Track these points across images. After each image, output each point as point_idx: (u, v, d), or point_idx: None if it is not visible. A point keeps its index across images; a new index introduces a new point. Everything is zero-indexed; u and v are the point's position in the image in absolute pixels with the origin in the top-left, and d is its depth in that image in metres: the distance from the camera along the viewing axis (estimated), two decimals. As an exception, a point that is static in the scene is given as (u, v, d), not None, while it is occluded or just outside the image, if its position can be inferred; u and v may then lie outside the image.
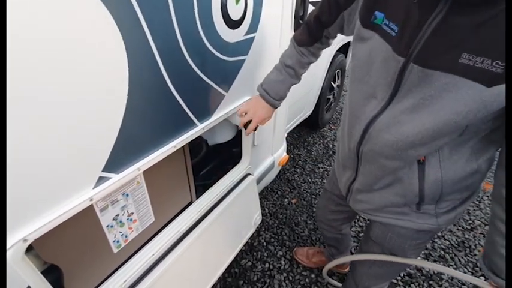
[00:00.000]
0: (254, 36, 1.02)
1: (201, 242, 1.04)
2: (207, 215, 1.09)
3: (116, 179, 0.68)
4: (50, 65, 0.48)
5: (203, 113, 0.91)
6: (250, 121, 0.96)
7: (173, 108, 0.78)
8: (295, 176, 2.37)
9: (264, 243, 1.80)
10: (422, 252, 1.76)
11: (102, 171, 0.64)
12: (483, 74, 0.48)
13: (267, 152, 1.54)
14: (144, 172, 0.76)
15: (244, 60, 1.01)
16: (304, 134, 2.90)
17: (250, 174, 1.32)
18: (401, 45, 0.56)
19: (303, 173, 2.40)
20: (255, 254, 1.74)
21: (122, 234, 0.81)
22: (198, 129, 0.89)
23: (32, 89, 0.47)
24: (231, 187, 1.22)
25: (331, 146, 2.73)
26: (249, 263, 1.68)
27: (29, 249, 0.61)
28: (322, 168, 2.45)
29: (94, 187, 0.64)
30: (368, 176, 0.75)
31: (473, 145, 0.61)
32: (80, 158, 0.59)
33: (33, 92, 0.48)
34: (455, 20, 0.49)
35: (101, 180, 0.65)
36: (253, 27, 0.99)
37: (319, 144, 2.76)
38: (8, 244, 0.52)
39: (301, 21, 1.59)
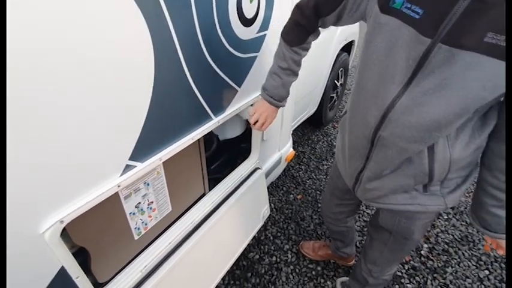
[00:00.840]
0: (265, 34, 1.06)
1: (214, 233, 1.08)
2: (219, 207, 1.13)
3: (140, 168, 0.72)
4: (86, 60, 0.53)
5: (218, 107, 0.95)
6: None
7: (192, 101, 0.82)
8: (300, 172, 2.41)
9: (271, 237, 1.84)
10: (426, 246, 1.80)
11: (129, 159, 0.68)
12: (504, 51, 0.51)
13: (274, 148, 1.58)
14: (163, 163, 0.81)
15: (256, 57, 1.05)
16: (308, 131, 2.94)
17: (259, 169, 1.36)
18: (427, 26, 0.56)
19: (308, 169, 2.44)
20: (262, 247, 1.78)
21: (143, 222, 0.85)
22: (214, 122, 0.93)
23: (71, 82, 0.52)
24: (242, 180, 1.26)
25: (334, 143, 2.76)
26: (257, 256, 1.72)
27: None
28: (326, 165, 2.49)
29: (121, 174, 0.68)
30: (382, 161, 0.76)
31: (474, 124, 0.65)
32: (110, 146, 0.63)
33: (72, 84, 0.52)
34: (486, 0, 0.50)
35: (127, 168, 0.69)
36: (265, 25, 1.03)
37: (323, 141, 2.80)
38: (46, 225, 0.56)
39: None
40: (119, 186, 0.67)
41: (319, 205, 2.08)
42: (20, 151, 0.47)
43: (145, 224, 0.87)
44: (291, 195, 2.17)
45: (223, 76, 0.91)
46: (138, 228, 0.85)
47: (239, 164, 1.30)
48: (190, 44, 0.74)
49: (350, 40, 2.65)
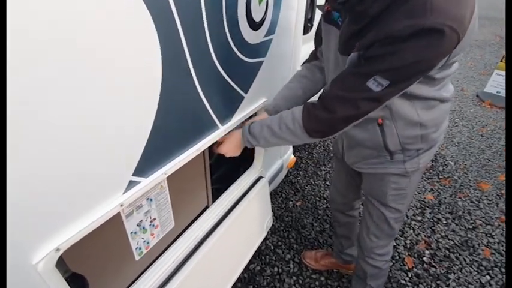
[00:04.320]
0: (272, 38, 1.01)
1: (218, 247, 1.02)
2: (223, 220, 1.06)
3: (144, 184, 0.65)
4: (82, 66, 0.46)
5: (225, 115, 0.89)
6: None
7: (199, 109, 0.76)
8: (298, 178, 2.37)
9: (272, 247, 1.78)
10: (428, 252, 1.78)
11: (133, 175, 0.62)
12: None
13: (276, 155, 1.53)
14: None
15: (262, 62, 1.00)
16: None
17: (263, 177, 1.31)
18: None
19: (306, 175, 2.40)
20: (263, 258, 1.71)
21: (144, 241, 0.78)
22: (220, 131, 0.87)
23: (64, 91, 0.45)
24: (245, 190, 1.20)
25: (331, 148, 2.74)
26: (258, 268, 1.66)
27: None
28: (324, 170, 2.45)
29: (124, 192, 0.61)
30: (347, 136, 0.95)
31: (409, 102, 0.77)
32: (111, 161, 0.56)
33: (65, 94, 0.45)
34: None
35: (131, 184, 0.62)
36: (272, 29, 0.99)
37: (320, 146, 2.77)
38: (39, 255, 0.49)
39: (309, 24, 1.59)
40: (121, 205, 0.60)
41: (320, 212, 2.04)
42: (5, 166, 0.40)
43: (147, 243, 0.79)
44: (290, 202, 2.12)
45: (230, 82, 0.86)
46: (140, 248, 0.77)
47: (242, 173, 1.24)
48: (198, 46, 0.68)
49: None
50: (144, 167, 0.64)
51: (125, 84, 0.53)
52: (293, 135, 0.79)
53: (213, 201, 1.08)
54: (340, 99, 0.70)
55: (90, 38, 0.45)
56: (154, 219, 0.79)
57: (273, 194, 2.18)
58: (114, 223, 0.67)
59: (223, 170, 1.29)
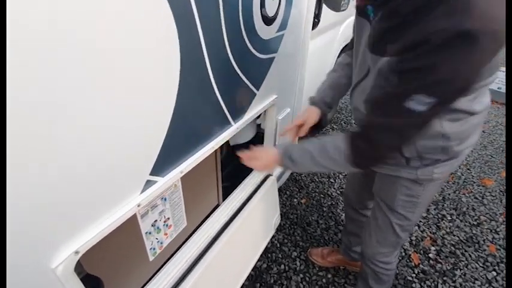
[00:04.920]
0: (283, 34, 0.99)
1: (229, 246, 1.00)
2: (233, 218, 1.05)
3: (161, 183, 0.63)
4: (99, 64, 0.44)
5: (237, 112, 0.87)
6: None
7: (214, 106, 0.75)
8: (302, 176, 2.35)
9: (278, 245, 1.78)
10: (434, 249, 1.78)
11: (150, 174, 0.60)
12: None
13: (283, 152, 1.51)
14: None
15: (273, 58, 0.98)
16: (307, 134, 2.89)
17: (271, 175, 1.29)
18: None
19: (310, 172, 2.39)
20: (269, 255, 1.71)
21: (158, 241, 0.77)
22: (233, 129, 0.85)
23: (82, 91, 0.43)
24: (254, 189, 1.19)
25: (334, 145, 2.73)
26: (264, 265, 1.65)
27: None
28: (328, 167, 2.44)
29: (142, 192, 0.59)
30: None
31: None
32: (129, 161, 0.54)
33: (83, 94, 0.43)
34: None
35: (148, 184, 0.60)
36: (284, 25, 0.97)
37: (323, 143, 2.76)
38: (59, 259, 0.47)
39: (316, 20, 1.57)
40: (138, 205, 0.59)
41: (324, 209, 2.03)
42: (24, 169, 0.38)
43: (161, 243, 0.78)
44: (295, 200, 2.12)
45: (243, 78, 0.84)
46: (154, 249, 0.76)
47: (251, 171, 1.23)
48: (215, 41, 0.66)
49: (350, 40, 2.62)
50: (161, 166, 0.62)
51: (143, 83, 0.51)
52: (336, 165, 0.74)
53: (224, 200, 1.07)
54: (381, 128, 0.63)
55: (110, 37, 0.43)
56: (168, 218, 0.77)
57: (278, 191, 2.16)
58: (129, 224, 0.65)
59: (232, 168, 1.28)
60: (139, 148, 0.56)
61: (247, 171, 1.24)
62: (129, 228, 0.66)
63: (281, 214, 1.98)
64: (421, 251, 1.76)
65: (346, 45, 0.95)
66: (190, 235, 0.91)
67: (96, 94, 0.44)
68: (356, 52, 0.81)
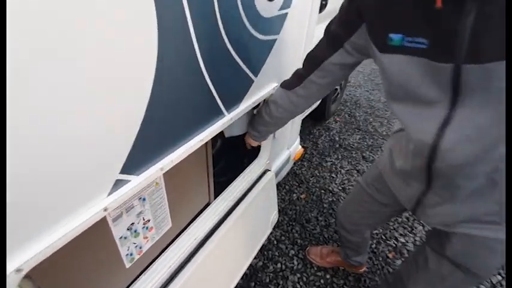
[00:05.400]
0: (287, 13, 0.87)
1: (220, 248, 0.91)
2: (226, 218, 0.96)
3: (135, 183, 0.53)
4: (55, 42, 0.33)
5: (232, 100, 0.76)
6: None
7: (203, 94, 0.64)
8: (303, 169, 2.26)
9: (275, 242, 1.70)
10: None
11: (120, 173, 0.50)
12: None
13: (283, 146, 1.41)
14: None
15: (275, 40, 0.86)
16: (308, 125, 2.78)
17: (269, 170, 1.20)
18: (439, 53, 0.52)
19: (311, 166, 2.29)
20: (265, 253, 1.63)
21: (136, 246, 0.67)
22: (226, 119, 0.75)
23: (32, 75, 0.32)
24: (250, 185, 1.09)
25: (337, 138, 2.62)
26: (260, 263, 1.58)
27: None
28: (329, 161, 2.34)
29: (109, 193, 0.49)
30: (449, 187, 0.63)
31: None
32: (91, 158, 0.44)
33: (33, 79, 0.32)
34: (487, 10, 0.47)
35: (118, 184, 0.50)
36: (287, 1, 0.84)
37: (325, 136, 2.65)
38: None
39: (323, 2, 1.44)
40: (105, 209, 0.49)
41: (325, 205, 1.94)
42: None
43: (140, 248, 0.69)
44: (294, 195, 2.03)
45: (239, 61, 0.73)
46: (131, 254, 0.67)
47: (247, 165, 1.13)
48: (204, 15, 0.55)
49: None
50: (135, 162, 0.52)
51: (106, 61, 0.40)
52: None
53: (215, 197, 0.97)
54: None
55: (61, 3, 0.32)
56: (148, 220, 0.68)
57: (276, 186, 2.07)
58: (99, 228, 0.55)
59: (226, 163, 1.18)
60: (104, 143, 0.45)
61: (243, 165, 1.14)
62: (99, 232, 0.57)
63: (279, 210, 1.89)
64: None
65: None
66: (177, 237, 0.82)
67: (44, 73, 0.33)
68: (406, 96, 0.60)
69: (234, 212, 0.99)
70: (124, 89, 0.45)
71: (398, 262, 1.60)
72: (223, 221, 0.94)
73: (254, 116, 0.97)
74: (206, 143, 0.83)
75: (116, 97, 0.44)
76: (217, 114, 0.72)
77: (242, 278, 1.48)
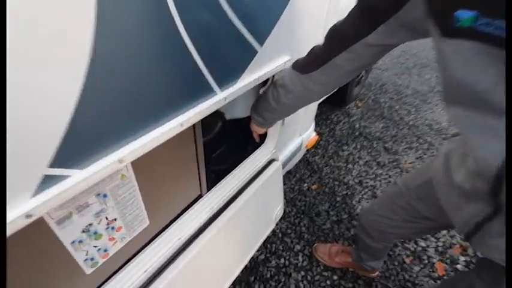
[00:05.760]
0: (306, -37, 0.67)
1: (210, 249, 0.79)
2: (220, 213, 0.82)
3: (80, 177, 0.40)
4: None
5: (227, 75, 0.60)
6: None
7: (182, 64, 0.48)
8: (316, 157, 2.09)
9: (280, 235, 1.57)
10: (463, 258, 1.51)
11: (50, 167, 0.36)
12: None
13: (295, 132, 1.24)
14: (133, 161, 0.48)
15: (287, 2, 0.68)
16: (326, 110, 2.57)
17: (275, 160, 1.04)
18: None
19: (325, 154, 2.11)
20: (268, 246, 1.51)
21: (99, 249, 0.55)
22: (218, 99, 0.59)
23: None
24: (252, 176, 0.94)
25: (357, 126, 2.40)
26: (262, 256, 1.46)
27: None
28: (347, 151, 2.15)
29: (35, 194, 0.36)
30: None
31: None
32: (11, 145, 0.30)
33: None
34: None
35: (48, 181, 0.37)
36: None
37: (344, 123, 2.44)
38: None
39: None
40: (28, 216, 0.35)
41: (338, 199, 1.78)
42: None
43: (105, 251, 0.57)
44: (305, 184, 1.87)
45: (237, 25, 0.55)
46: (92, 259, 0.55)
47: (250, 153, 0.98)
48: None
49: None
50: (74, 153, 0.38)
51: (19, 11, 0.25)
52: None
53: (209, 190, 0.83)
54: None
55: None
56: (114, 219, 0.55)
57: (286, 174, 1.92)
58: (38, 232, 0.43)
59: (226, 149, 1.03)
60: (18, 126, 0.31)
61: (246, 153, 0.99)
62: (40, 238, 0.45)
63: (287, 199, 1.75)
64: (448, 260, 1.50)
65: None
66: (157, 236, 0.70)
67: None
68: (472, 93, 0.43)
69: (232, 205, 0.85)
70: (46, 58, 0.30)
71: (416, 268, 1.44)
72: (217, 217, 0.81)
73: (259, 98, 0.80)
74: (195, 127, 0.68)
75: (34, 67, 0.29)
76: (204, 91, 0.56)
77: (241, 271, 1.38)
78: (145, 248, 0.66)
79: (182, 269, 0.69)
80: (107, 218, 0.53)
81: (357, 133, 2.33)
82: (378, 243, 1.02)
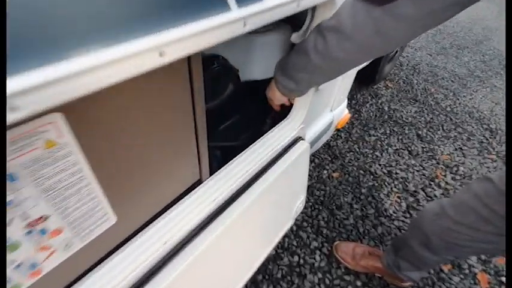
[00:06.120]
0: None
1: (211, 254, 0.56)
2: (226, 207, 0.59)
3: None
4: None
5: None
6: None
7: None
8: (339, 141, 1.83)
9: (294, 228, 1.35)
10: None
11: None
12: None
13: (326, 105, 0.98)
14: (75, 115, 0.24)
15: None
16: (352, 88, 2.26)
17: (302, 139, 0.79)
18: None
19: (349, 139, 1.85)
20: (281, 240, 1.29)
21: (19, 265, 0.32)
22: (233, 18, 0.33)
23: None
24: (272, 158, 0.70)
25: (386, 108, 2.11)
26: (273, 252, 1.25)
27: None
28: (374, 136, 1.88)
29: None
30: None
31: None
32: None
33: None
34: None
35: None
36: None
37: (372, 104, 2.15)
38: None
39: None
40: None
41: (363, 190, 1.53)
42: None
43: (33, 268, 0.34)
44: (325, 171, 1.63)
45: None
46: (7, 281, 0.32)
47: (270, 128, 0.73)
48: None
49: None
50: None
51: None
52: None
53: (211, 174, 0.59)
54: None
55: None
56: (41, 218, 0.32)
57: (304, 158, 1.68)
58: None
59: (239, 120, 0.78)
60: None
61: (263, 126, 0.74)
62: None
63: (304, 188, 1.52)
64: (492, 271, 1.26)
65: None
66: (129, 238, 0.47)
67: None
68: None
69: (244, 195, 0.61)
70: None
71: (455, 279, 1.21)
72: (220, 214, 0.57)
73: (291, 52, 0.54)
74: (191, 74, 0.42)
75: None
76: (214, 4, 0.30)
77: (248, 269, 1.17)
78: (112, 256, 0.43)
79: (176, 277, 0.47)
80: (25, 216, 0.30)
81: (385, 116, 2.04)
82: (437, 255, 0.77)
